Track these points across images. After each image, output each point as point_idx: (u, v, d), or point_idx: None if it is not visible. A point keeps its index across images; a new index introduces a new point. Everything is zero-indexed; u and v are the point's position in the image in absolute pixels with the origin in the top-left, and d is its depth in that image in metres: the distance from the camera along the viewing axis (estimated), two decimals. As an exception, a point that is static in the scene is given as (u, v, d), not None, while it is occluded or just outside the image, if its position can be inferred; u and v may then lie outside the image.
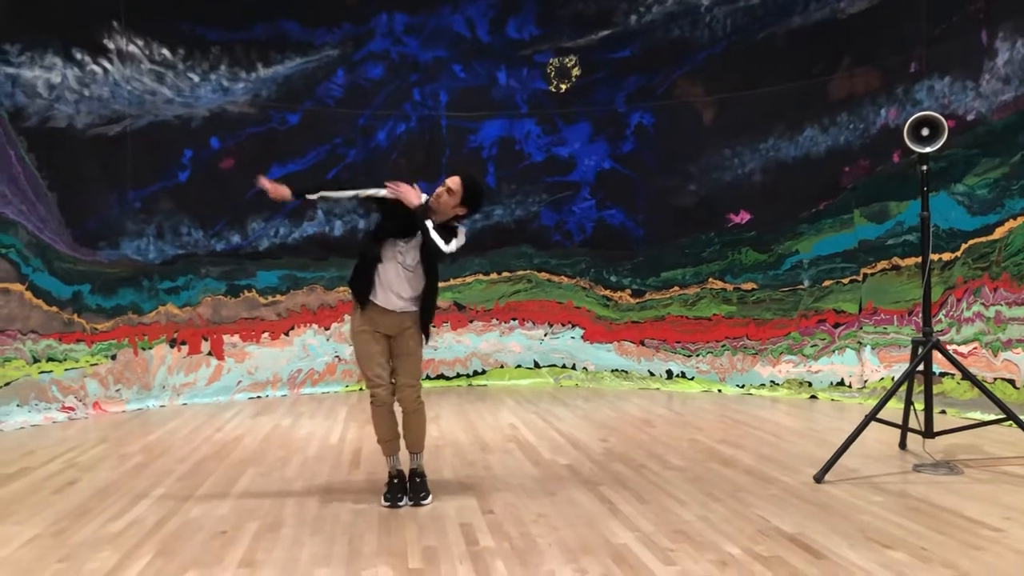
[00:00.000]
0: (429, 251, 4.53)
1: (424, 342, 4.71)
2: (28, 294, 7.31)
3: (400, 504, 4.46)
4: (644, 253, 9.46)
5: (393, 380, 4.64)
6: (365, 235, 4.30)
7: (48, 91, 7.50)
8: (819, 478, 4.84)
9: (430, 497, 4.58)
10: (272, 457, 5.72)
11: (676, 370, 9.21)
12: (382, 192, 4.59)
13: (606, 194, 9.64)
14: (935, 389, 5.54)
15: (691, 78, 9.14)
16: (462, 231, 4.60)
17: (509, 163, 9.69)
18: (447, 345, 9.62)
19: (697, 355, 9.11)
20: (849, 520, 4.07)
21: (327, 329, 9.23)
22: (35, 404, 7.24)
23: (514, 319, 9.80)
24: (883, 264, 7.91)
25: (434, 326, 4.89)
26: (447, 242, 4.47)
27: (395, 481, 4.58)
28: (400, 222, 4.52)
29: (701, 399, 8.41)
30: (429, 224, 4.43)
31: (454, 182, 4.52)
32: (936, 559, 3.49)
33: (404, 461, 4.67)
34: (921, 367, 5.24)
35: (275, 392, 8.82)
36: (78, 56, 7.71)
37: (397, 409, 4.64)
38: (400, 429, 4.66)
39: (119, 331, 7.99)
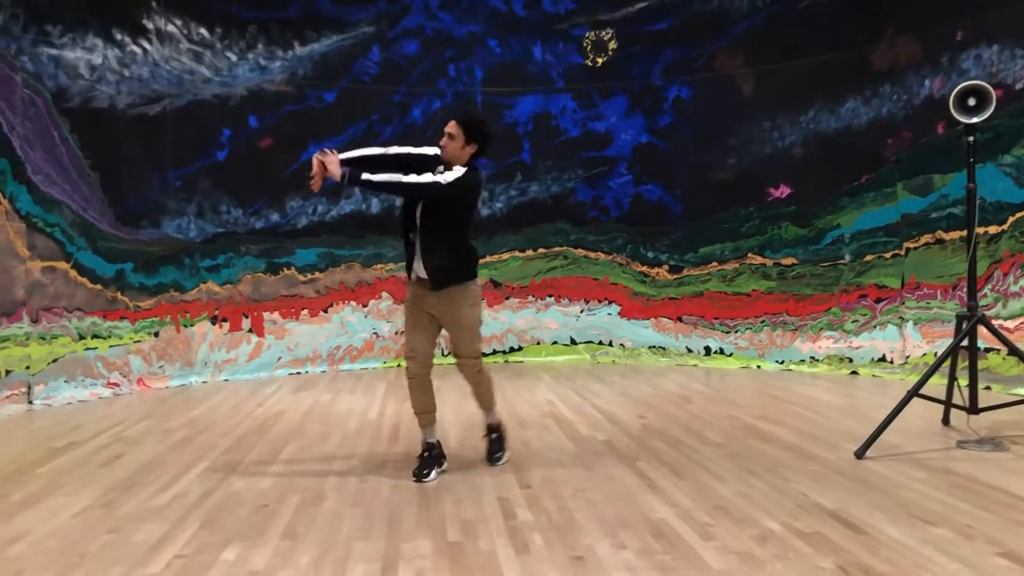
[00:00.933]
0: (425, 206, 4.51)
1: (471, 314, 4.68)
2: (73, 272, 7.45)
3: (426, 479, 4.46)
4: (682, 228, 9.38)
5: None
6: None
7: (90, 72, 7.59)
8: (860, 454, 4.79)
9: (504, 456, 4.78)
10: (312, 432, 5.79)
11: (714, 346, 9.15)
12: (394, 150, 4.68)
13: (643, 169, 9.55)
14: (980, 365, 5.44)
15: (730, 50, 9.00)
16: (457, 169, 4.50)
17: (545, 138, 9.64)
18: (483, 322, 9.61)
19: (736, 331, 9.04)
20: (891, 496, 4.02)
21: (365, 306, 9.29)
22: (81, 380, 7.39)
23: (550, 295, 9.78)
24: (926, 238, 7.77)
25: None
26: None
27: (425, 455, 4.61)
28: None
29: (740, 375, 8.36)
30: (368, 176, 4.42)
31: (450, 125, 4.54)
32: (980, 536, 3.45)
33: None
34: (965, 342, 5.15)
35: (314, 368, 8.91)
36: (118, 37, 7.79)
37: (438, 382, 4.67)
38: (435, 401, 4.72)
39: (161, 308, 8.11)
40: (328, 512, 3.94)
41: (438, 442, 4.71)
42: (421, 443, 4.68)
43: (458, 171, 4.47)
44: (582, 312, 9.74)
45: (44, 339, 7.16)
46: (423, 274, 4.57)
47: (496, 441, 4.86)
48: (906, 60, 7.88)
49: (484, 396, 4.83)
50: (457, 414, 6.39)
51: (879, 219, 8.13)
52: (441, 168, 4.52)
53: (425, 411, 4.66)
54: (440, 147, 4.58)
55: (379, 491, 4.28)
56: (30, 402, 6.92)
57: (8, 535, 3.63)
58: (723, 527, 3.62)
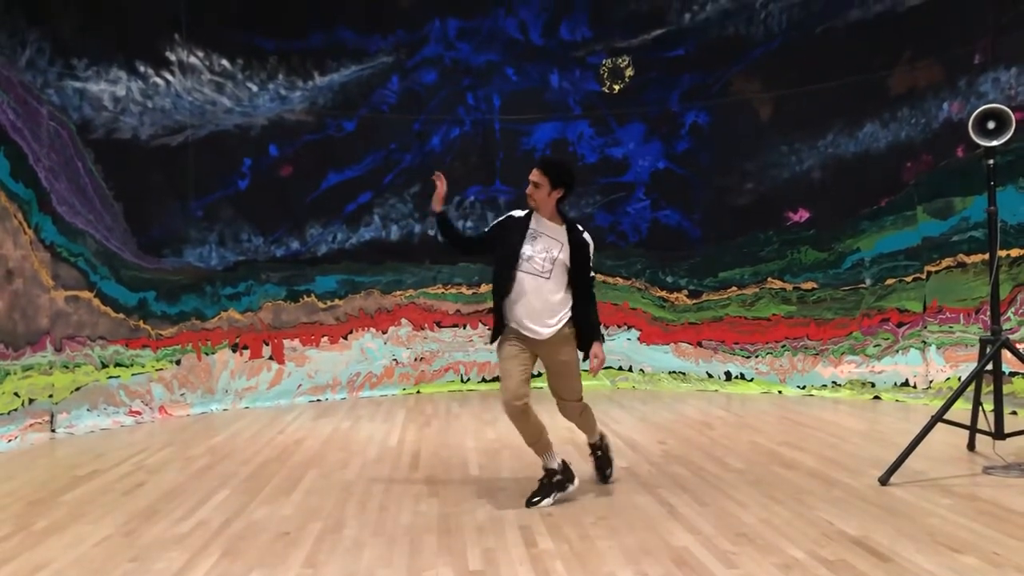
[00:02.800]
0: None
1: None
2: (96, 301, 7.53)
3: (532, 503, 4.47)
4: (701, 253, 9.36)
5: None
6: None
7: (113, 104, 7.71)
8: (884, 480, 4.74)
9: (611, 471, 4.95)
10: (333, 459, 5.80)
11: (735, 372, 9.10)
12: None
13: (661, 194, 9.56)
14: (1005, 389, 5.38)
15: (747, 75, 9.02)
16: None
17: (563, 165, 9.66)
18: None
19: (756, 356, 8.99)
20: (916, 523, 3.97)
21: (384, 333, 9.32)
22: (104, 408, 7.44)
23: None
24: (948, 261, 7.72)
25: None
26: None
27: (542, 481, 4.59)
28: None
29: (761, 401, 8.30)
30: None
31: (533, 174, 4.63)
32: (1009, 564, 3.40)
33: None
34: (990, 366, 5.10)
35: (334, 395, 8.93)
36: (141, 69, 7.91)
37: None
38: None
39: (183, 336, 8.17)
40: (349, 540, 3.93)
41: (561, 464, 4.63)
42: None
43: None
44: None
45: (67, 368, 7.23)
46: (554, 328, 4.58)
47: (601, 457, 4.99)
48: (924, 83, 7.87)
49: (583, 426, 4.97)
50: (477, 439, 6.39)
51: (899, 243, 8.09)
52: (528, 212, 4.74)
53: (531, 442, 4.66)
54: (527, 195, 4.66)
55: (400, 519, 4.28)
56: (53, 430, 6.97)
57: (32, 563, 3.65)
58: (746, 555, 3.59)
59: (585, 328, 4.65)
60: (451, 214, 9.52)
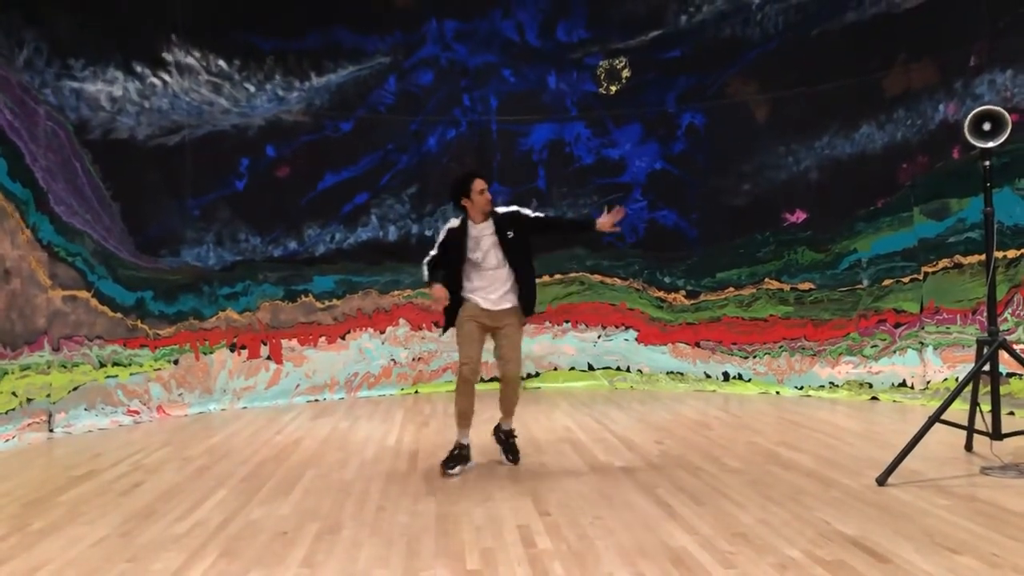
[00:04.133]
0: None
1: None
2: (94, 301, 7.52)
3: (451, 471, 5.25)
4: (698, 254, 9.38)
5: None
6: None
7: (111, 104, 7.71)
8: (882, 481, 4.75)
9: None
10: (331, 459, 5.80)
11: (732, 372, 9.11)
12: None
13: (658, 195, 9.58)
14: (1002, 390, 5.39)
15: (743, 77, 9.04)
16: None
17: (559, 166, 9.70)
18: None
19: (754, 357, 9.01)
20: (914, 524, 3.98)
21: (382, 333, 9.32)
22: (101, 408, 7.44)
23: (567, 321, 9.79)
24: (944, 262, 7.73)
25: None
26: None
27: (455, 452, 5.41)
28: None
29: (758, 401, 8.31)
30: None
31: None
32: (1007, 564, 3.40)
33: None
34: (987, 367, 5.11)
35: (332, 395, 8.93)
36: (138, 69, 7.91)
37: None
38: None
39: (181, 336, 8.17)
40: (347, 540, 3.93)
41: (468, 444, 5.47)
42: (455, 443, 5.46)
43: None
44: (599, 338, 9.73)
45: (65, 367, 7.22)
46: (509, 303, 5.45)
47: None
48: (920, 85, 7.89)
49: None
50: (474, 439, 6.38)
51: (896, 244, 8.11)
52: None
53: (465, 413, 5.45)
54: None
55: (397, 519, 4.28)
56: (51, 430, 6.96)
57: (28, 564, 3.65)
58: (744, 555, 3.59)
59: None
60: (448, 214, 9.53)
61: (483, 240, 5.39)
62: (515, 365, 5.48)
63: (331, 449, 6.18)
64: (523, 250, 5.47)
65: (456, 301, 5.45)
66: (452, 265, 5.46)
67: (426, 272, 5.61)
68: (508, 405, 5.59)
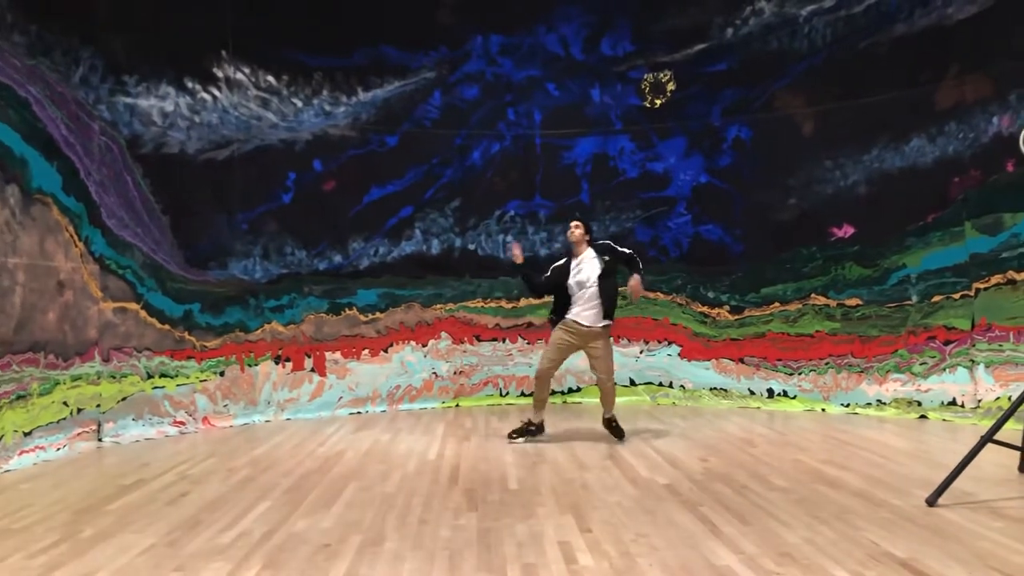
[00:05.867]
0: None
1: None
2: (143, 313, 7.67)
3: (515, 440, 6.94)
4: (743, 268, 9.28)
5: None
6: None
7: (162, 119, 7.87)
8: (932, 501, 4.64)
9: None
10: (373, 472, 5.82)
11: (777, 389, 8.99)
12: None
13: (702, 209, 9.51)
14: (1057, 410, 5.24)
15: (790, 90, 8.95)
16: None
17: (603, 179, 9.67)
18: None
19: (799, 373, 8.88)
20: (966, 546, 3.89)
21: (424, 346, 9.36)
22: (149, 418, 7.57)
23: (610, 336, 9.72)
24: (997, 278, 7.57)
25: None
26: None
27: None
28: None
29: (804, 418, 8.18)
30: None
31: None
32: (1063, 590, 3.31)
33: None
34: (1042, 386, 4.98)
35: (375, 408, 8.98)
36: (189, 85, 8.07)
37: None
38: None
39: (227, 348, 8.28)
40: (389, 553, 3.94)
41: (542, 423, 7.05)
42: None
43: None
44: (642, 353, 9.67)
45: (114, 378, 7.36)
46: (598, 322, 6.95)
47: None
48: (972, 98, 7.75)
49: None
50: (516, 454, 6.38)
51: (947, 259, 7.95)
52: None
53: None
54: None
55: (439, 532, 4.28)
56: (99, 439, 7.10)
57: (79, 571, 3.72)
58: (790, 575, 3.53)
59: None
60: (491, 228, 9.56)
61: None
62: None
63: (373, 462, 6.21)
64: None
65: None
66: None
67: None
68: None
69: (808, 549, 3.89)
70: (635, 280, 6.74)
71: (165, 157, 7.88)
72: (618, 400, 9.45)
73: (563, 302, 6.99)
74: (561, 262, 7.16)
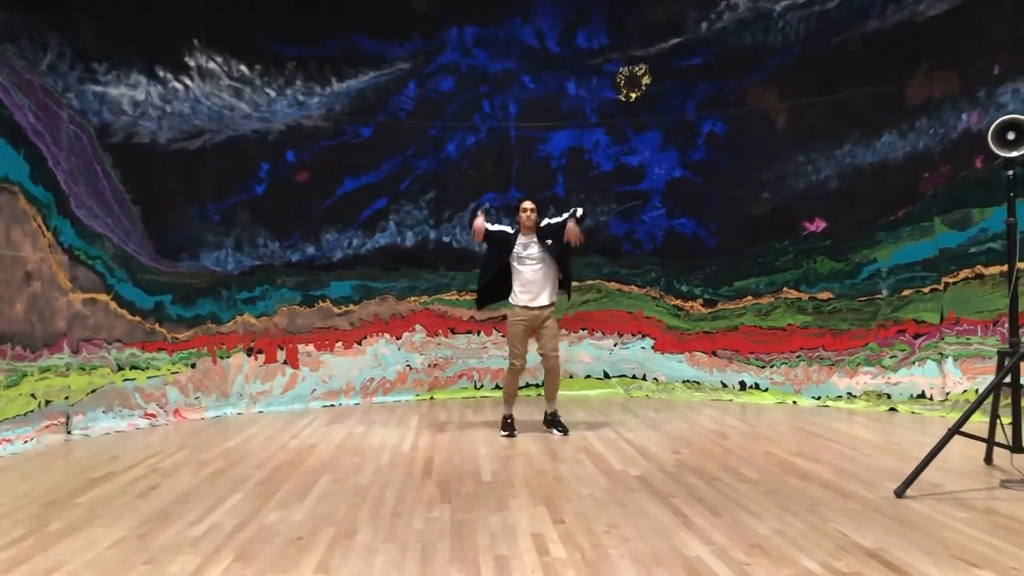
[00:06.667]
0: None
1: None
2: (113, 304, 7.58)
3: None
4: (716, 262, 9.34)
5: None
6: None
7: (133, 108, 7.77)
8: (900, 493, 4.70)
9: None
10: (346, 464, 5.80)
11: (749, 381, 9.06)
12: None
13: (676, 203, 9.55)
14: (1023, 402, 5.32)
15: (764, 84, 9.00)
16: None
17: (578, 173, 9.69)
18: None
19: (771, 366, 8.95)
20: (933, 537, 3.94)
21: (398, 339, 9.34)
22: (119, 411, 7.49)
23: (583, 329, 9.77)
24: (966, 272, 7.67)
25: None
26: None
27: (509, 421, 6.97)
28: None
29: (775, 411, 8.26)
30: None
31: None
32: (1026, 579, 3.36)
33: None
34: (1008, 379, 5.06)
35: (348, 400, 8.95)
36: (161, 74, 7.98)
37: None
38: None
39: (198, 340, 8.21)
40: (361, 546, 3.93)
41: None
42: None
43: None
44: (615, 346, 9.70)
45: (84, 370, 7.28)
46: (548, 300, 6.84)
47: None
48: (942, 94, 7.83)
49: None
50: (490, 446, 6.38)
51: (916, 253, 8.05)
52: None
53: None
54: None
55: (412, 525, 4.28)
56: (68, 432, 7.02)
57: (46, 565, 3.67)
58: (760, 566, 3.57)
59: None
60: (466, 220, 9.54)
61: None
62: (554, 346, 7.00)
63: (346, 454, 6.19)
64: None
65: None
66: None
67: None
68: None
69: (778, 540, 3.92)
70: (569, 227, 6.61)
71: (135, 147, 7.78)
72: (592, 392, 9.55)
73: (502, 278, 6.88)
74: (508, 230, 6.99)
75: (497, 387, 9.51)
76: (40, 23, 7.00)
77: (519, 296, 6.81)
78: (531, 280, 6.78)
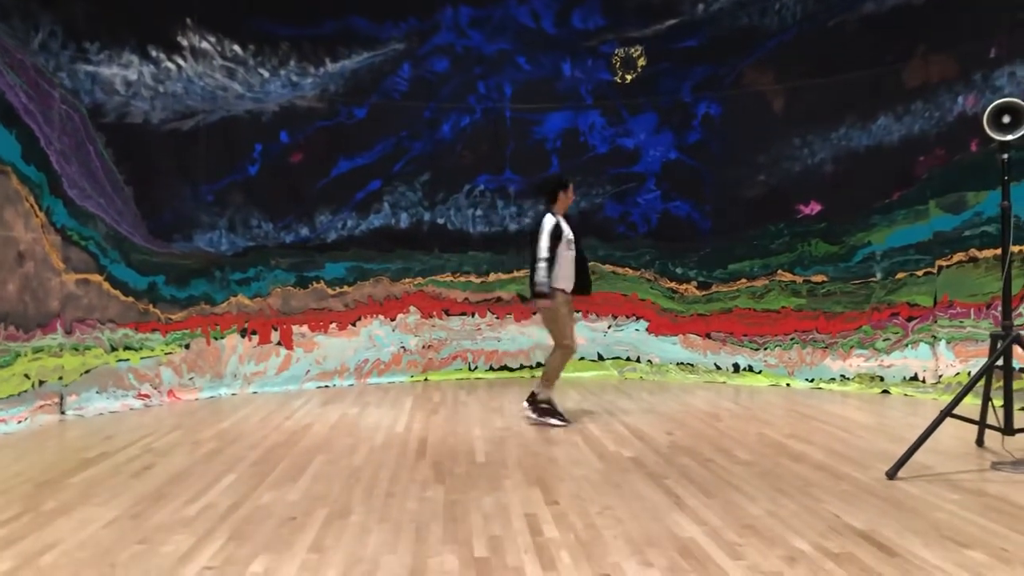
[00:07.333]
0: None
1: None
2: (106, 285, 7.56)
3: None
4: (711, 245, 9.34)
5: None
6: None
7: (125, 88, 7.72)
8: (892, 474, 4.72)
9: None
10: (340, 445, 5.81)
11: (743, 364, 9.08)
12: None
13: (672, 185, 9.54)
14: (1015, 385, 5.35)
15: (760, 67, 8.97)
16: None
17: (573, 155, 9.66)
18: (511, 337, 9.65)
19: (765, 348, 8.97)
20: (924, 518, 3.96)
21: (393, 320, 9.33)
22: (113, 391, 7.48)
23: (578, 311, 9.76)
24: (959, 256, 7.68)
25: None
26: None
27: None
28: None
29: (769, 393, 8.28)
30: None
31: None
32: (1017, 560, 3.38)
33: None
34: (1000, 362, 5.07)
35: (342, 381, 8.96)
36: (153, 54, 7.92)
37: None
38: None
39: (192, 321, 8.20)
40: (355, 526, 3.94)
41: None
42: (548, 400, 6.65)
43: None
44: (610, 328, 9.71)
45: (77, 350, 7.26)
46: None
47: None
48: (938, 77, 7.81)
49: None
50: (484, 427, 6.40)
51: (911, 237, 8.05)
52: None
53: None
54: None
55: (406, 505, 4.29)
56: (62, 412, 7.01)
57: (40, 544, 3.68)
58: (752, 546, 3.58)
59: None
60: (460, 202, 9.52)
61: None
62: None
63: (340, 435, 6.19)
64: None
65: None
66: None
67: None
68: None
69: (770, 521, 3.94)
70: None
71: (128, 127, 7.73)
72: (586, 374, 9.56)
73: (557, 267, 6.52)
74: (556, 220, 6.56)
75: (491, 368, 9.53)
76: (31, 2, 6.94)
77: (564, 281, 6.55)
78: (570, 263, 6.60)
